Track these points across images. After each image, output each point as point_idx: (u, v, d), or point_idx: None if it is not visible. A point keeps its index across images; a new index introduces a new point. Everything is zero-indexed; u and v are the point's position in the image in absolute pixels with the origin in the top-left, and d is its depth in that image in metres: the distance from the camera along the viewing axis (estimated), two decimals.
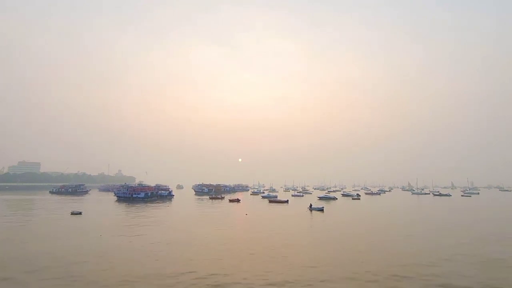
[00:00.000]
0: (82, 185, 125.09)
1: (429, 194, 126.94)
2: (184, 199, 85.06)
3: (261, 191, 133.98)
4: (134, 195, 75.89)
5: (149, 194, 79.51)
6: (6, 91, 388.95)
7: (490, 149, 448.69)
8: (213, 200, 77.48)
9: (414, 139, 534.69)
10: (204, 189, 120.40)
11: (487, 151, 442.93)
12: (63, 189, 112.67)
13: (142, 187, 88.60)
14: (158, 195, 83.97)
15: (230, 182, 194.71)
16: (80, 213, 43.16)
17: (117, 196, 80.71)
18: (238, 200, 72.89)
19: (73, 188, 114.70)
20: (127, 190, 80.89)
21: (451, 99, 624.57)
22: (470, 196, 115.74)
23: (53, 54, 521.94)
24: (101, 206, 59.09)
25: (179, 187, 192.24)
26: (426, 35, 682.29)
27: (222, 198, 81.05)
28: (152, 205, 61.47)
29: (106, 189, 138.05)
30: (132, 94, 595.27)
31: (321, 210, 49.14)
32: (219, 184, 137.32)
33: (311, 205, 52.12)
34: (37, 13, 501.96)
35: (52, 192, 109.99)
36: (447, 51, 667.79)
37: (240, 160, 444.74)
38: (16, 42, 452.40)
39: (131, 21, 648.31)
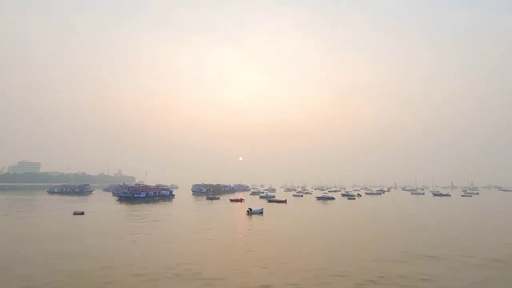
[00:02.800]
0: (88, 185, 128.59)
1: (426, 194, 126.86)
2: (183, 199, 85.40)
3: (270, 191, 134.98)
4: (135, 195, 76.45)
5: (152, 194, 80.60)
6: (6, 91, 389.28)
7: (490, 149, 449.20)
8: (210, 200, 78.02)
9: (416, 139, 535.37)
10: (202, 189, 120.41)
11: (487, 151, 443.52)
12: (68, 189, 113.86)
13: (143, 187, 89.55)
14: (160, 195, 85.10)
15: (230, 182, 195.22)
16: (82, 213, 43.35)
17: (118, 196, 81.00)
18: (241, 200, 73.12)
19: (80, 188, 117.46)
20: (128, 190, 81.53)
21: (454, 101, 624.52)
22: (470, 196, 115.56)
23: (53, 54, 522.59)
24: (110, 206, 59.43)
25: (174, 187, 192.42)
26: (438, 38, 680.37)
27: (218, 198, 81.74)
28: (155, 205, 61.81)
29: (110, 189, 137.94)
30: (133, 94, 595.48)
31: (260, 213, 45.13)
32: (218, 184, 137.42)
33: (250, 209, 46.30)
34: (36, 11, 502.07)
35: (52, 192, 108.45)
36: (458, 54, 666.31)
37: (240, 158, 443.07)
38: (15, 42, 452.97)
39: (136, 19, 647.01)
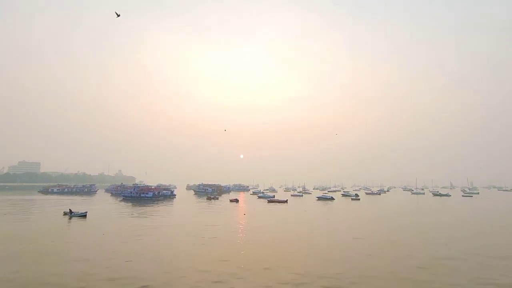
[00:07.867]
0: (94, 185, 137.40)
1: (426, 194, 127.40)
2: (185, 199, 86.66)
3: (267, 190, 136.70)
4: (142, 195, 78.52)
5: (156, 194, 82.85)
6: (6, 91, 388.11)
7: (489, 150, 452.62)
8: (210, 200, 78.97)
9: (416, 140, 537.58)
10: (208, 189, 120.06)
11: (486, 151, 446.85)
12: (74, 189, 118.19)
13: (147, 187, 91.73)
14: (162, 195, 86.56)
15: (230, 182, 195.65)
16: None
17: (123, 196, 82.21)
18: (236, 200, 73.15)
19: (88, 188, 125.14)
20: (134, 190, 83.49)
21: (455, 103, 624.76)
22: (471, 196, 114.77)
23: (53, 53, 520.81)
24: (120, 205, 60.30)
25: (172, 186, 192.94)
26: (467, 36, 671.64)
27: (217, 198, 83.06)
28: (159, 204, 62.77)
29: (111, 190, 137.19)
30: (133, 94, 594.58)
31: (84, 216, 38.07)
32: (216, 184, 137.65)
33: (70, 210, 40.12)
34: (35, 9, 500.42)
35: (49, 192, 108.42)
36: (484, 55, 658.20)
37: (241, 156, 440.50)
38: (14, 41, 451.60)
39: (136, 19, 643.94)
